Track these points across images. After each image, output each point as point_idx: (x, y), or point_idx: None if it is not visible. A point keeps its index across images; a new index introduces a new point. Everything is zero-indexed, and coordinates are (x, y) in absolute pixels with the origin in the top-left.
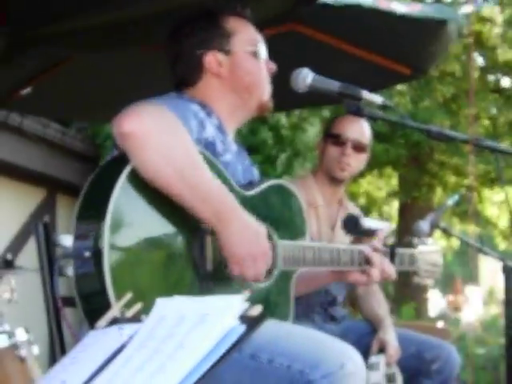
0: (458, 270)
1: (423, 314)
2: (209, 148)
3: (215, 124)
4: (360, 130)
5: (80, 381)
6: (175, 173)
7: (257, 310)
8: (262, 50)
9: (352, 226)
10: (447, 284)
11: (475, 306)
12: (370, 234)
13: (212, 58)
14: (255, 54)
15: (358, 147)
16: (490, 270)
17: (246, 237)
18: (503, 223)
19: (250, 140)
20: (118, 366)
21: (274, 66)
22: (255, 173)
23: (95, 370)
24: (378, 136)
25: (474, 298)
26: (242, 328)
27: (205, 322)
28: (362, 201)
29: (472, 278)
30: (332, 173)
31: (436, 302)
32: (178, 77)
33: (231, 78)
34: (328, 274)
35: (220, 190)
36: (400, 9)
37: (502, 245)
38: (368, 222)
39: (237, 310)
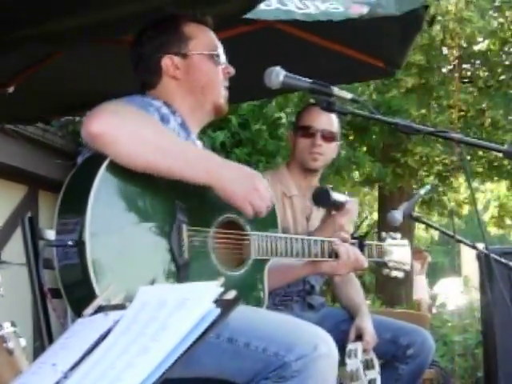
0: (442, 261)
1: (405, 304)
2: None
3: (179, 122)
4: (328, 119)
5: (70, 363)
6: (156, 150)
7: (231, 294)
8: (220, 55)
9: (322, 198)
10: (430, 275)
11: (455, 295)
12: (338, 206)
13: (169, 61)
14: (212, 58)
15: (328, 137)
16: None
17: (238, 178)
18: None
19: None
20: (105, 349)
21: (232, 70)
22: None
23: (84, 353)
24: (354, 125)
25: (454, 288)
26: (218, 311)
27: (184, 305)
28: None
29: (455, 267)
30: (305, 163)
31: (420, 292)
32: (140, 79)
33: (187, 80)
34: (302, 266)
35: (197, 151)
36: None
37: (493, 230)
38: (336, 196)
39: (213, 295)
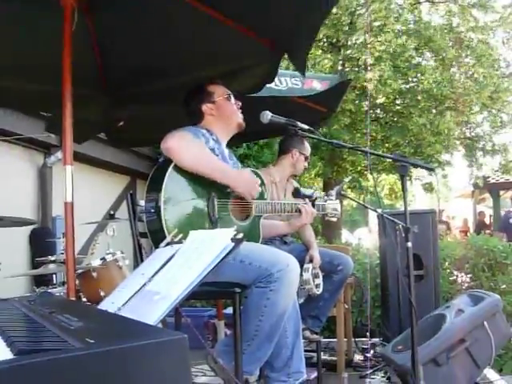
0: (359, 218)
1: (337, 242)
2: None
3: (214, 139)
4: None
5: (152, 272)
6: (202, 163)
7: (240, 235)
8: (231, 96)
9: (298, 193)
10: (351, 226)
11: (366, 239)
12: (306, 197)
13: (206, 107)
14: (227, 99)
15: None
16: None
17: (245, 181)
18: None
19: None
20: (171, 265)
21: (240, 103)
22: (238, 165)
23: (160, 267)
24: (311, 144)
25: (365, 235)
26: (232, 244)
27: (214, 241)
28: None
29: (365, 222)
30: (298, 173)
31: (345, 236)
32: (191, 119)
33: (219, 114)
34: (283, 226)
35: (226, 165)
36: (317, 86)
37: (388, 202)
38: (305, 191)
39: (230, 235)
